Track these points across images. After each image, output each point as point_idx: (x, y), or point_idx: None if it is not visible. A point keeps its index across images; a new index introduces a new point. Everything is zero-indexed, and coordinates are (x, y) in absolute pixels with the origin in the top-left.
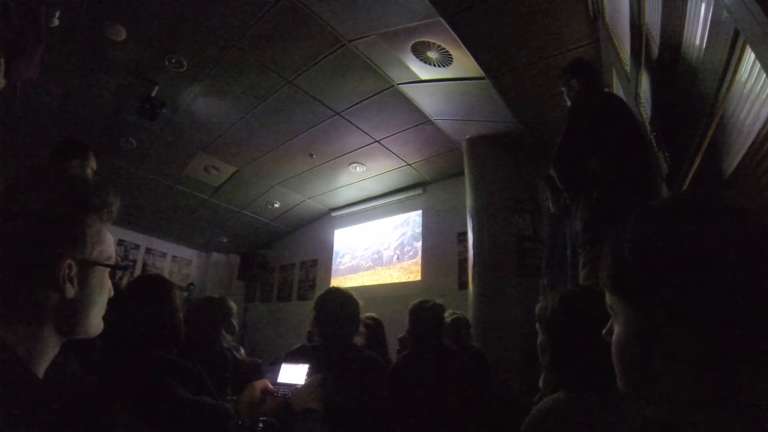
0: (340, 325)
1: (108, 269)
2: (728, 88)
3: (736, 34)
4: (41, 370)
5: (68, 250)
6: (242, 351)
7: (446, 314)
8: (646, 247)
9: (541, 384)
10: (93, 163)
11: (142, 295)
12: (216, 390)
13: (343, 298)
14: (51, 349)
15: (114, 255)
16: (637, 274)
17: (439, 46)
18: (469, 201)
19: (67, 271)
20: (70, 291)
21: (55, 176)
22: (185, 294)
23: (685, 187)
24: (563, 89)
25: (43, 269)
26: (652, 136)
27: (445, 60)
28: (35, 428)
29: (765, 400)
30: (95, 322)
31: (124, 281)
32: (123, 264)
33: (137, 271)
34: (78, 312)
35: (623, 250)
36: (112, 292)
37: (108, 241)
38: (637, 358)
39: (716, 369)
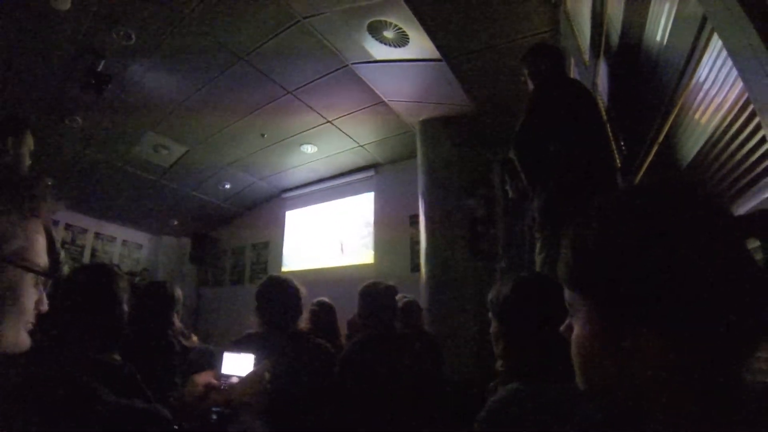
0: (281, 313)
1: (30, 275)
2: (690, 78)
3: (703, 22)
4: None
5: None
6: (194, 338)
7: (398, 297)
8: (610, 241)
9: (497, 367)
10: (30, 142)
11: (81, 288)
12: (163, 381)
13: (284, 286)
14: None
15: (42, 261)
16: (600, 269)
17: (396, 25)
18: (421, 183)
19: None
20: None
21: None
22: (137, 280)
23: (638, 177)
24: (525, 71)
25: None
26: (608, 126)
27: (402, 40)
28: None
29: (731, 397)
30: (11, 335)
31: (66, 270)
32: (42, 268)
33: (86, 257)
34: None
35: (586, 244)
36: (45, 306)
37: (33, 242)
38: (600, 355)
39: (682, 366)
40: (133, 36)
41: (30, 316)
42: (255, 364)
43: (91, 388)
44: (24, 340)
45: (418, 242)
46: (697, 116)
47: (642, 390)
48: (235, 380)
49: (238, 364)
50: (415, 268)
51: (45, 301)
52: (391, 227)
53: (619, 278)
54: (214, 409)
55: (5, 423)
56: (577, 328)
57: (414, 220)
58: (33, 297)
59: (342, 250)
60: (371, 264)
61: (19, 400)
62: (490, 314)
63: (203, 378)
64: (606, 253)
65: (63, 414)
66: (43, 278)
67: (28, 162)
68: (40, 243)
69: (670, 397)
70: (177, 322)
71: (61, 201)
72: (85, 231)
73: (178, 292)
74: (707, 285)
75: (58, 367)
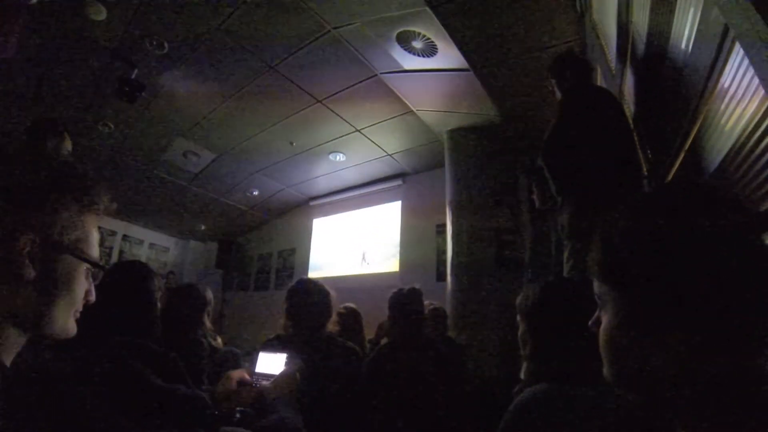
0: (311, 315)
1: (83, 266)
2: (714, 86)
3: (726, 30)
4: (8, 359)
5: (32, 227)
6: (219, 340)
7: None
8: (638, 235)
9: (522, 375)
10: (68, 144)
11: (121, 280)
12: (193, 378)
13: (314, 288)
14: (14, 339)
15: (95, 254)
16: (628, 262)
17: (425, 36)
18: (448, 193)
19: (27, 249)
20: (30, 272)
21: (34, 154)
22: (164, 282)
23: None
24: (552, 81)
25: (3, 244)
26: (635, 133)
27: (430, 50)
28: (2, 417)
29: (756, 391)
30: (61, 320)
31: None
32: (96, 260)
33: (114, 258)
34: (39, 301)
35: (615, 237)
36: (93, 297)
37: (89, 235)
38: (626, 348)
39: (708, 359)
40: (166, 45)
41: (79, 305)
42: (287, 364)
43: (141, 372)
44: (72, 327)
45: (444, 251)
46: (722, 123)
47: (668, 382)
48: (267, 380)
49: (271, 364)
50: (441, 277)
51: (93, 291)
52: (417, 236)
53: (647, 272)
54: (239, 408)
55: (57, 404)
56: (605, 320)
57: (440, 230)
58: (84, 287)
59: (364, 258)
60: (396, 272)
61: (71, 382)
62: (518, 317)
63: (237, 374)
64: (635, 247)
65: (114, 395)
66: (93, 270)
67: None
68: (95, 236)
69: (695, 389)
70: (207, 323)
71: (114, 200)
72: (113, 233)
73: (209, 294)
74: (733, 280)
75: (107, 352)
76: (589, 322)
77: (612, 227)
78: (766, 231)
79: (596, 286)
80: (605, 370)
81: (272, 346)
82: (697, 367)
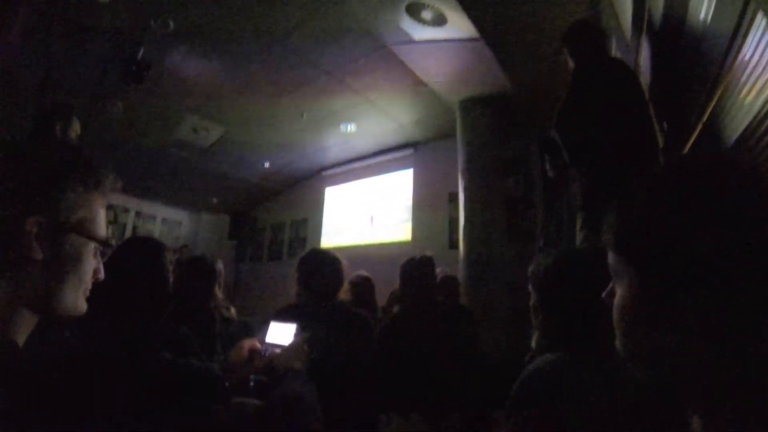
0: (322, 284)
1: (91, 245)
2: (734, 58)
3: (746, 1)
4: (21, 339)
5: (38, 208)
6: (232, 310)
7: (436, 272)
8: (657, 207)
9: (533, 344)
10: (77, 127)
11: (132, 257)
12: (206, 349)
13: (325, 257)
14: (27, 320)
15: (102, 233)
16: (645, 235)
17: (434, 6)
18: (460, 162)
19: (35, 230)
20: (38, 253)
21: (41, 139)
22: (177, 256)
23: None
24: (566, 50)
25: (10, 226)
26: (650, 105)
27: (440, 20)
28: (16, 396)
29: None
30: (71, 300)
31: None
32: (102, 238)
33: (127, 234)
34: (48, 281)
35: (633, 209)
36: (101, 275)
37: (96, 215)
38: (640, 321)
39: (721, 335)
40: (171, 23)
41: (88, 283)
42: (297, 334)
43: (152, 347)
44: (82, 305)
45: (456, 220)
46: (742, 96)
47: (680, 360)
48: (277, 350)
49: (281, 334)
50: (453, 245)
51: (102, 269)
52: (429, 205)
53: (663, 245)
54: (253, 376)
55: (71, 382)
56: (619, 292)
57: (453, 198)
58: (92, 265)
59: (373, 223)
60: (408, 241)
61: (84, 360)
62: (530, 287)
63: (249, 344)
64: (651, 220)
65: (126, 371)
66: (101, 248)
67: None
68: (101, 215)
69: (707, 370)
70: (219, 295)
71: (119, 179)
72: (126, 210)
73: (220, 266)
74: (748, 256)
75: (119, 329)
76: (603, 294)
77: (630, 199)
78: None
79: (611, 258)
80: (617, 343)
81: (283, 315)
82: (712, 347)
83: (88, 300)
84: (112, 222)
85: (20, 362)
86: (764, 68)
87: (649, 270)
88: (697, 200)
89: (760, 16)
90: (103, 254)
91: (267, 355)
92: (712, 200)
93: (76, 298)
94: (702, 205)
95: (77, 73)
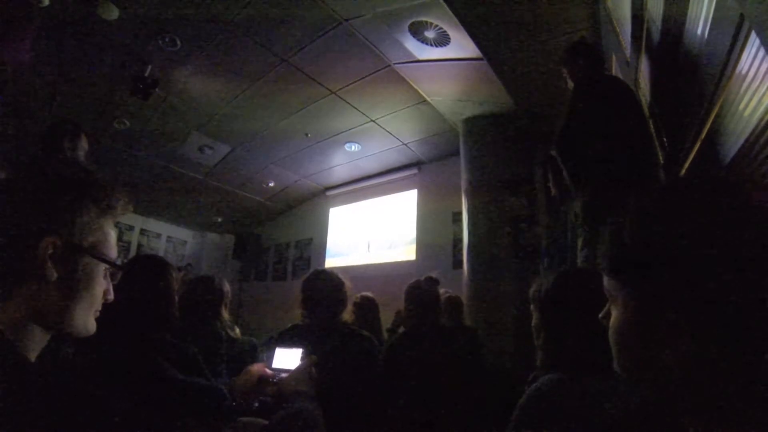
0: (325, 305)
1: (103, 266)
2: (730, 75)
3: (741, 19)
4: (33, 355)
5: (53, 230)
6: (237, 330)
7: (440, 292)
8: (646, 229)
9: (537, 363)
10: (85, 144)
11: (138, 275)
12: (211, 368)
13: (328, 278)
14: (39, 337)
15: (114, 255)
16: (636, 257)
17: (437, 25)
18: (464, 181)
19: (50, 251)
20: (52, 273)
21: (55, 160)
22: (182, 274)
23: (682, 174)
24: (564, 69)
25: (26, 246)
26: (650, 122)
27: (443, 40)
28: (29, 413)
29: (764, 388)
30: (82, 319)
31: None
32: (114, 260)
33: (132, 252)
34: (61, 301)
35: (623, 232)
36: (111, 296)
37: (107, 237)
38: (636, 342)
39: (718, 357)
40: (178, 41)
41: (98, 304)
42: (303, 358)
43: (160, 365)
44: (92, 325)
45: (460, 239)
46: (739, 111)
47: (677, 379)
48: (284, 375)
49: (287, 358)
50: (458, 265)
51: (111, 291)
52: (433, 224)
53: (655, 267)
54: (260, 398)
55: (78, 401)
56: (615, 314)
57: (457, 218)
58: (103, 286)
59: (369, 248)
60: (413, 261)
61: (93, 377)
62: (531, 307)
63: (258, 369)
64: (643, 243)
65: (134, 389)
66: (111, 270)
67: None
68: (113, 237)
69: (704, 387)
70: (225, 315)
71: (132, 202)
72: (131, 228)
73: (227, 286)
74: (740, 276)
75: (128, 347)
76: (600, 315)
77: (622, 222)
78: None
79: (606, 281)
80: (615, 364)
81: (287, 339)
82: (708, 366)
83: (97, 319)
84: (118, 239)
85: (32, 378)
86: (761, 83)
87: (643, 293)
88: (690, 224)
89: (753, 35)
90: (113, 276)
91: (275, 380)
92: (705, 224)
93: (87, 318)
94: (695, 230)
95: (85, 91)
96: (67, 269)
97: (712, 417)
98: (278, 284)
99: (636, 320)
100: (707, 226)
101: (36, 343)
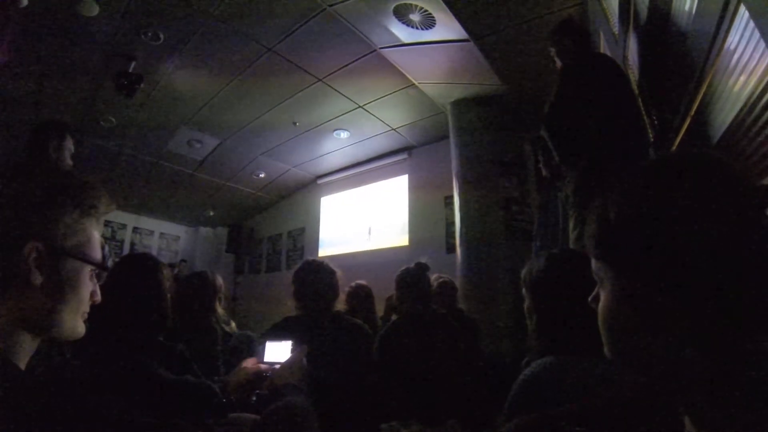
0: (317, 295)
1: (88, 268)
2: (719, 51)
3: None
4: (22, 363)
5: (36, 234)
6: (233, 324)
7: (433, 278)
8: (631, 210)
9: (531, 347)
10: (70, 145)
11: (128, 275)
12: (206, 366)
13: (319, 268)
14: (27, 344)
15: (98, 256)
16: (622, 239)
17: (422, 8)
18: (454, 164)
19: (33, 255)
20: (36, 277)
21: (38, 165)
22: (176, 271)
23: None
24: (552, 49)
25: (9, 252)
26: (639, 99)
27: (428, 22)
28: (20, 420)
29: (755, 368)
30: (70, 323)
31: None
32: (98, 261)
33: (125, 251)
34: (47, 305)
35: (610, 213)
36: (98, 297)
37: (91, 238)
38: (624, 325)
39: (705, 336)
40: (162, 36)
41: (86, 306)
42: (293, 350)
43: (149, 365)
44: (81, 328)
45: (453, 223)
46: (729, 86)
47: (666, 363)
48: (277, 367)
49: (278, 352)
50: (451, 249)
51: (98, 292)
52: (425, 209)
53: (641, 249)
54: (255, 391)
55: (68, 403)
56: (603, 298)
57: (449, 201)
58: (89, 288)
59: (371, 233)
60: (406, 246)
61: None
62: (523, 290)
63: (252, 367)
64: (628, 224)
65: (124, 390)
66: (97, 271)
67: (69, 163)
68: (96, 239)
69: (694, 371)
70: (219, 309)
71: (114, 201)
72: (124, 226)
73: (220, 281)
74: (728, 256)
75: (116, 349)
76: (589, 299)
77: (607, 202)
78: (766, 207)
79: (593, 263)
80: (605, 347)
81: (278, 332)
82: (696, 349)
83: (86, 321)
84: (110, 238)
85: (22, 385)
86: (749, 58)
87: (630, 276)
88: (676, 203)
89: (742, 7)
90: (99, 277)
91: (268, 374)
92: (691, 202)
93: (75, 321)
94: (681, 208)
95: (69, 90)
96: (52, 273)
97: (704, 405)
98: (273, 275)
99: (624, 303)
100: (692, 203)
101: (25, 350)
